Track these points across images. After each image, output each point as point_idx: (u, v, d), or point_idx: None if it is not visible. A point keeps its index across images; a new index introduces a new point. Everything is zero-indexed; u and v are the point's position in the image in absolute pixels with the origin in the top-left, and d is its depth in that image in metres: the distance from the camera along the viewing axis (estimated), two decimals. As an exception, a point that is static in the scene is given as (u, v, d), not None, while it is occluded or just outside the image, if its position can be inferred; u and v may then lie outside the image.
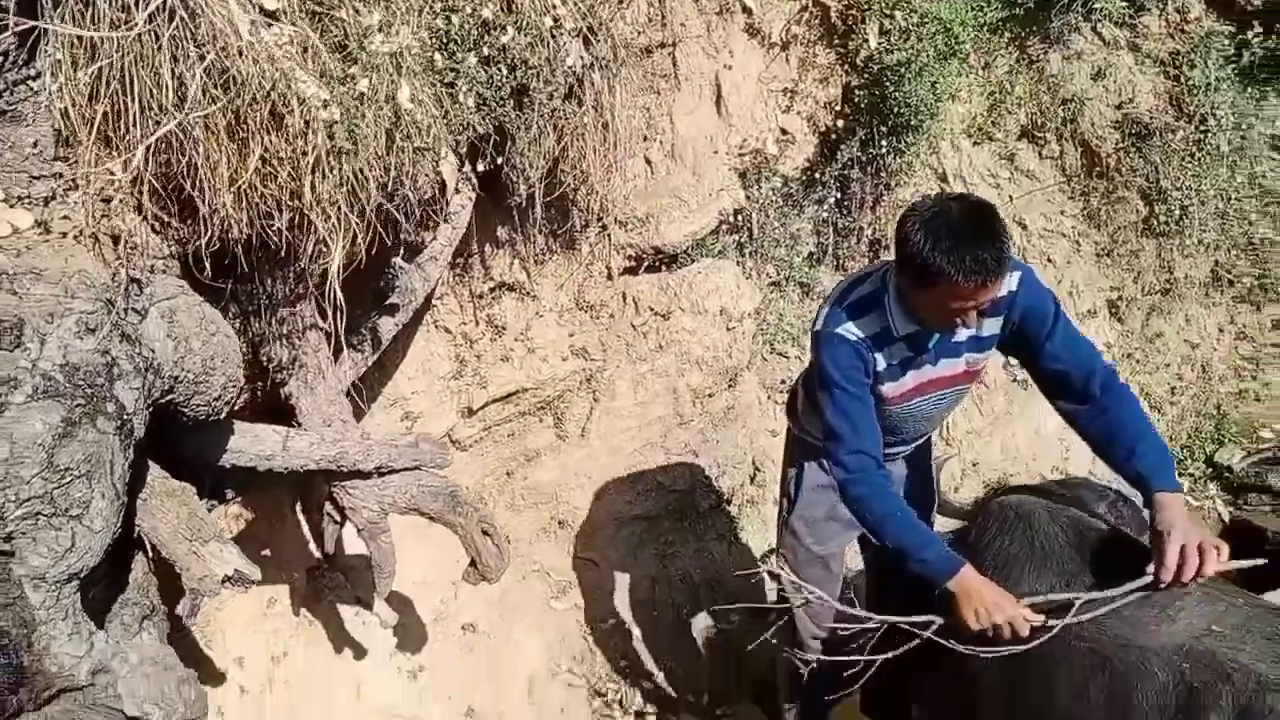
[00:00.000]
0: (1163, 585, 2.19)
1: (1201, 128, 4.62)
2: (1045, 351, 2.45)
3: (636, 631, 3.76)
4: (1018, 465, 4.65)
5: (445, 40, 2.57)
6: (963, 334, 2.50)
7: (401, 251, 2.70)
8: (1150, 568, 2.21)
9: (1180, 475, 4.82)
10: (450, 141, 2.57)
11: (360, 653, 3.28)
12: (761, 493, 3.95)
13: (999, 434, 4.62)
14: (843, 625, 2.68)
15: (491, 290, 3.51)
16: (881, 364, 2.50)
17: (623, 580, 3.81)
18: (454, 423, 3.48)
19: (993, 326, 2.52)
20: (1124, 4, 4.63)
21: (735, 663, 3.82)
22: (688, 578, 3.85)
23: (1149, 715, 2.08)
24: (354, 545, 3.00)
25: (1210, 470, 4.96)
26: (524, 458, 3.67)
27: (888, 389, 2.53)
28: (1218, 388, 5.02)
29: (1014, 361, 4.80)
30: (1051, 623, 2.21)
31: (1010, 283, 2.41)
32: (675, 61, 3.80)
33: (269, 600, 3.08)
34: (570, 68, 3.03)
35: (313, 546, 3.12)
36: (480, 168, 2.96)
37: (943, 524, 3.03)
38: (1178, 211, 4.65)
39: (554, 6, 2.88)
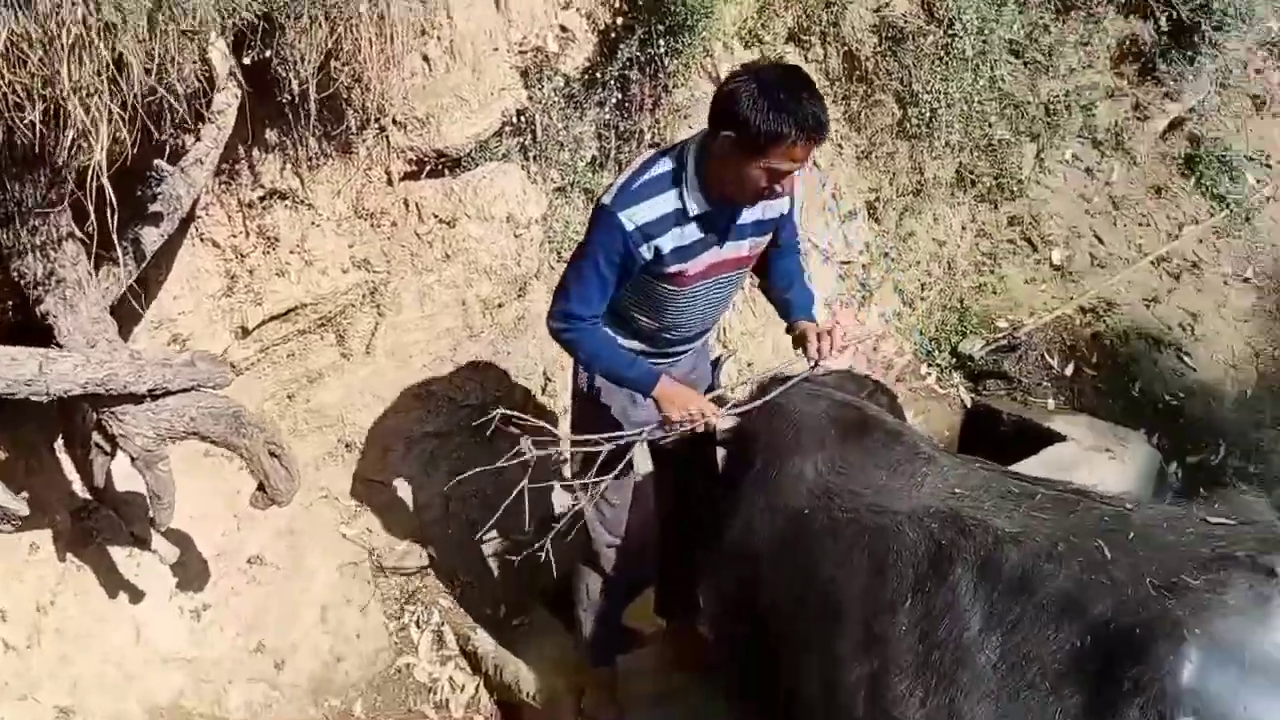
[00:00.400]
0: (816, 363, 2.79)
1: (949, 32, 4.88)
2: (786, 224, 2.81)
3: (430, 551, 3.72)
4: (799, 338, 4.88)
5: (204, -86, 2.32)
6: (748, 216, 2.66)
7: (165, 154, 2.45)
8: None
9: (930, 365, 5.32)
10: (218, 25, 2.35)
11: (137, 596, 3.08)
12: (554, 402, 3.95)
13: (770, 333, 4.82)
14: (637, 532, 2.89)
15: (262, 199, 3.27)
16: (669, 245, 2.58)
17: (415, 500, 3.74)
18: (228, 344, 3.25)
19: (773, 210, 2.70)
20: (880, -90, 4.81)
21: (528, 573, 3.87)
22: (481, 492, 3.82)
23: (903, 572, 2.28)
24: (125, 479, 2.78)
25: (955, 360, 5.39)
26: (305, 379, 3.49)
27: (679, 268, 2.63)
28: (961, 282, 5.44)
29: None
30: (737, 411, 2.73)
31: None
32: (452, -48, 3.62)
33: (30, 546, 2.82)
34: (342, -47, 2.82)
35: (77, 485, 2.86)
36: (247, 60, 2.72)
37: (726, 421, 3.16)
38: (928, 114, 4.94)
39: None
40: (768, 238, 2.82)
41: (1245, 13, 5.55)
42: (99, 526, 2.98)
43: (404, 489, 3.74)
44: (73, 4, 1.69)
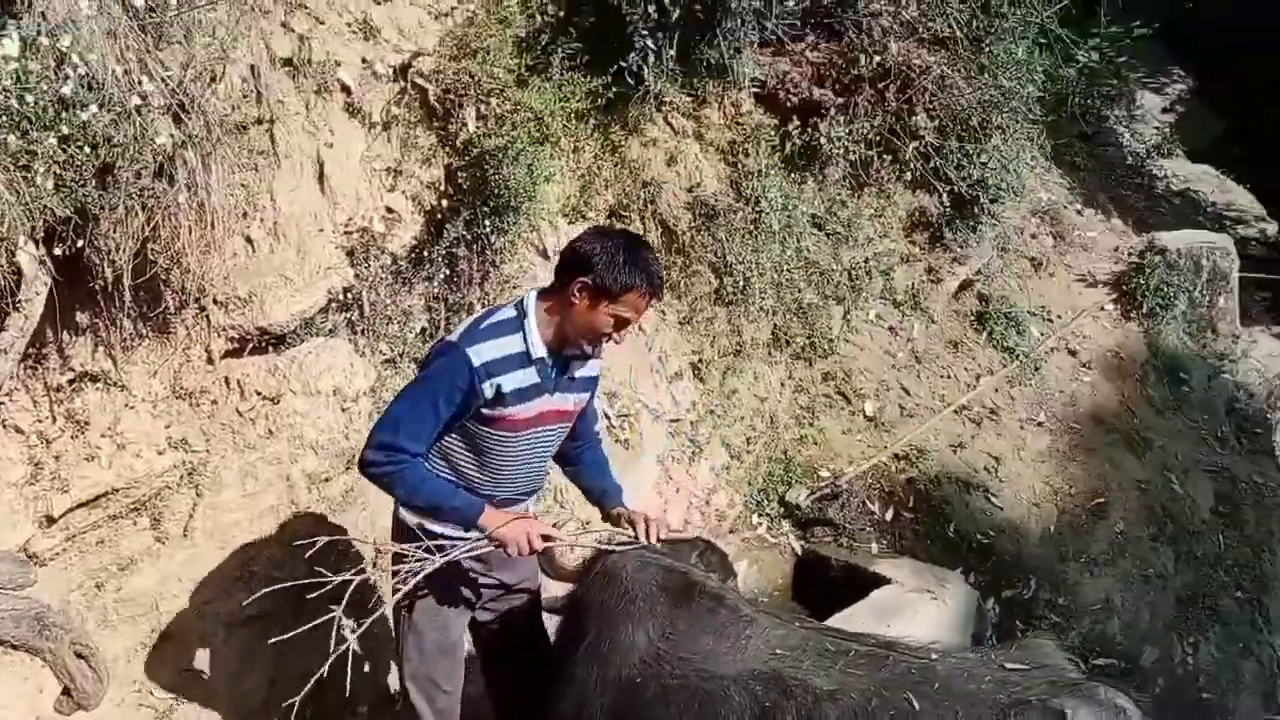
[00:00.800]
0: (640, 541, 2.82)
1: (757, 208, 5.30)
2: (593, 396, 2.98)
3: (256, 741, 3.53)
4: (622, 523, 4.97)
5: (18, 120, 2.34)
6: (577, 372, 2.83)
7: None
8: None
9: (760, 515, 5.50)
10: (26, 228, 2.33)
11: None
12: (384, 575, 3.87)
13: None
14: None
15: (71, 382, 3.18)
16: (510, 386, 2.69)
17: (236, 689, 3.55)
18: (30, 534, 3.08)
19: (594, 369, 2.90)
20: (688, 98, 5.23)
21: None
22: (309, 675, 3.66)
23: None
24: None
25: (783, 509, 5.58)
26: (116, 566, 3.32)
27: (515, 411, 2.72)
28: (784, 435, 5.69)
29: (616, 423, 5.22)
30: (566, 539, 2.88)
31: None
32: (274, 138, 3.72)
33: None
34: (160, 146, 2.87)
35: None
36: (58, 252, 2.70)
37: (558, 587, 3.19)
38: (742, 282, 5.27)
39: (140, 83, 2.73)
40: (587, 396, 2.96)
41: (1016, 186, 6.23)
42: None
43: (224, 678, 3.55)
44: None
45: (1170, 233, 7.22)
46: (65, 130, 2.50)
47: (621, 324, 2.69)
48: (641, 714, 2.54)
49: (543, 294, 2.76)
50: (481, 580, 3.02)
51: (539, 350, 2.70)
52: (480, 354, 2.64)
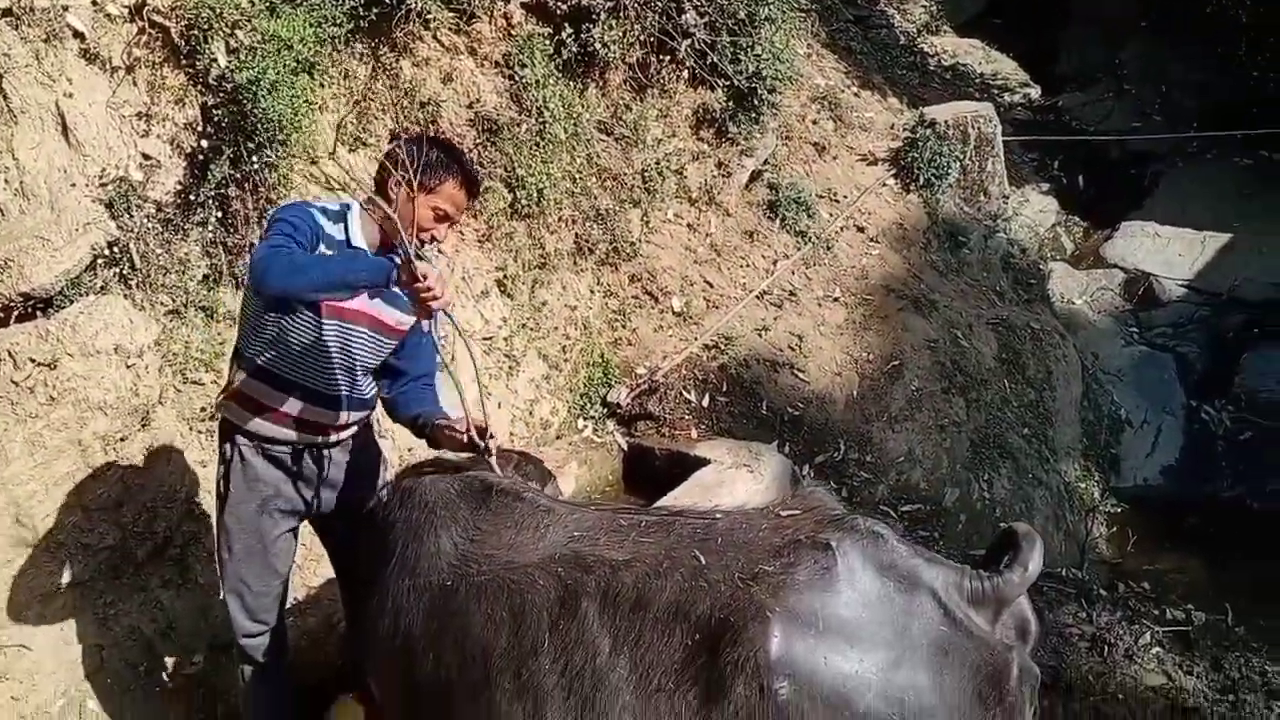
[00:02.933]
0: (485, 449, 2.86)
1: (540, 119, 5.33)
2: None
3: (91, 705, 3.48)
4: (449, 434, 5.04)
5: None
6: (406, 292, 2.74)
7: None
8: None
9: (584, 419, 5.65)
10: None
11: None
12: (203, 525, 3.83)
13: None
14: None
15: None
16: (332, 239, 2.78)
17: (63, 658, 3.48)
18: None
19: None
20: (453, 14, 5.16)
21: (209, 701, 3.72)
22: (138, 633, 3.63)
23: (539, 616, 2.48)
24: None
25: (606, 410, 5.76)
26: (-93, 555, 3.19)
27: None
28: (598, 340, 5.84)
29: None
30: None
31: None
32: (5, 93, 3.51)
33: None
34: None
35: None
36: None
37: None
38: (535, 194, 5.32)
39: None
40: (410, 321, 2.95)
41: (792, 75, 6.46)
42: None
43: (48, 648, 3.47)
44: None
45: (938, 106, 7.66)
46: None
47: (442, 218, 2.79)
48: (456, 615, 2.63)
49: (366, 202, 2.85)
50: (306, 492, 3.04)
51: (359, 242, 2.79)
52: (315, 216, 2.74)
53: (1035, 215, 8.57)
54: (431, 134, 2.97)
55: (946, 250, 7.08)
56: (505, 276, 5.42)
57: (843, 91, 7.55)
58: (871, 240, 6.80)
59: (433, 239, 2.83)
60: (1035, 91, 10.00)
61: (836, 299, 6.39)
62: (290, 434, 2.95)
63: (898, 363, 6.20)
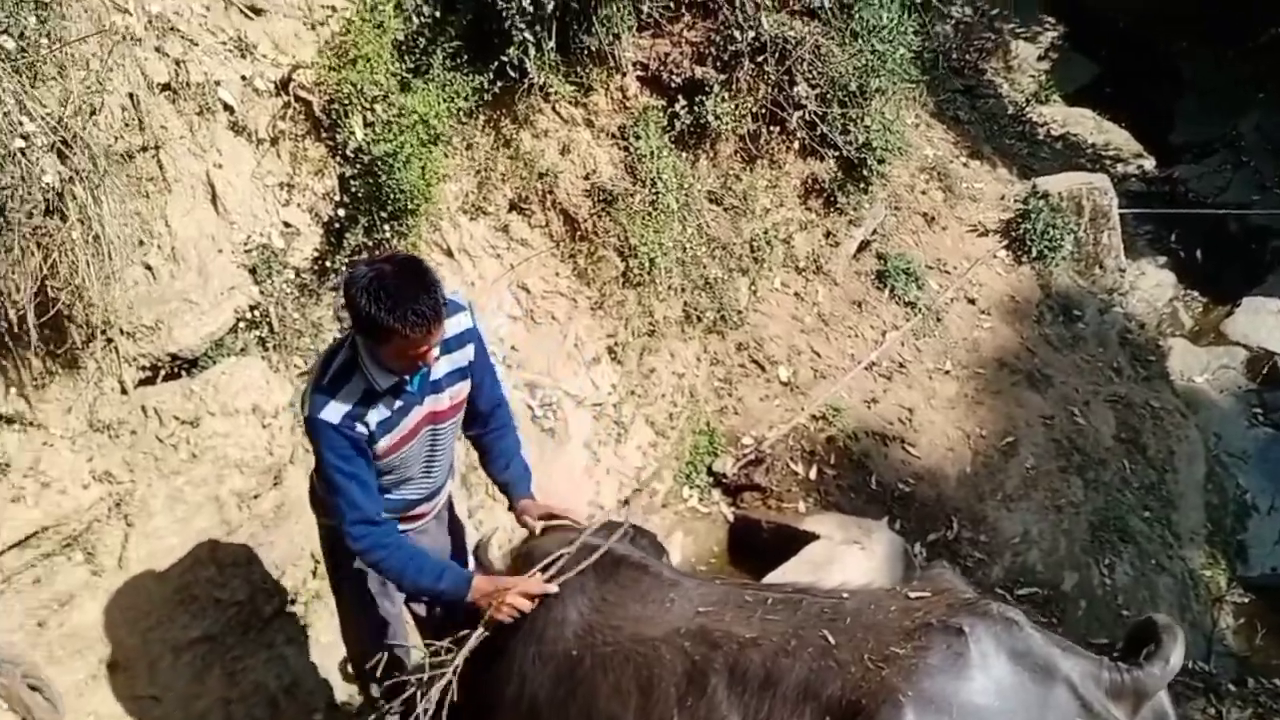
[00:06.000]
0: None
1: (654, 190, 5.43)
2: (483, 380, 3.00)
3: (216, 758, 3.58)
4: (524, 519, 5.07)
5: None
6: (438, 371, 2.86)
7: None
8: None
9: (690, 487, 5.65)
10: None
11: None
12: (325, 584, 3.92)
13: (536, 482, 5.02)
14: None
15: (-13, 426, 3.18)
16: (374, 421, 2.76)
17: (191, 710, 3.59)
18: (-38, 580, 3.09)
19: (461, 359, 2.93)
20: (573, 87, 5.32)
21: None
22: (263, 689, 3.73)
23: (666, 690, 2.50)
24: None
25: (712, 479, 5.75)
26: (56, 603, 3.34)
27: (387, 441, 2.81)
28: (705, 408, 5.85)
29: (540, 413, 5.32)
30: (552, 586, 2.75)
31: (463, 320, 2.86)
32: (162, 164, 3.73)
33: None
34: (48, 184, 2.90)
35: None
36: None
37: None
38: (647, 263, 5.40)
39: (21, 124, 2.75)
40: (468, 383, 3.01)
41: (901, 145, 6.46)
42: None
43: (177, 701, 3.59)
44: None
45: (1052, 176, 7.54)
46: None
47: (411, 357, 2.67)
48: (582, 684, 2.66)
49: None
50: None
51: (384, 383, 2.74)
52: (336, 411, 2.69)
53: (1152, 289, 8.33)
54: (388, 259, 2.71)
55: (1061, 324, 6.93)
56: (616, 343, 5.49)
57: (952, 161, 7.50)
58: (983, 312, 6.69)
59: (420, 367, 2.74)
60: (1149, 162, 9.78)
61: (947, 372, 6.29)
62: (403, 526, 3.03)
63: (1012, 439, 6.06)
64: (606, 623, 2.71)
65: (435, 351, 2.72)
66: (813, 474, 5.67)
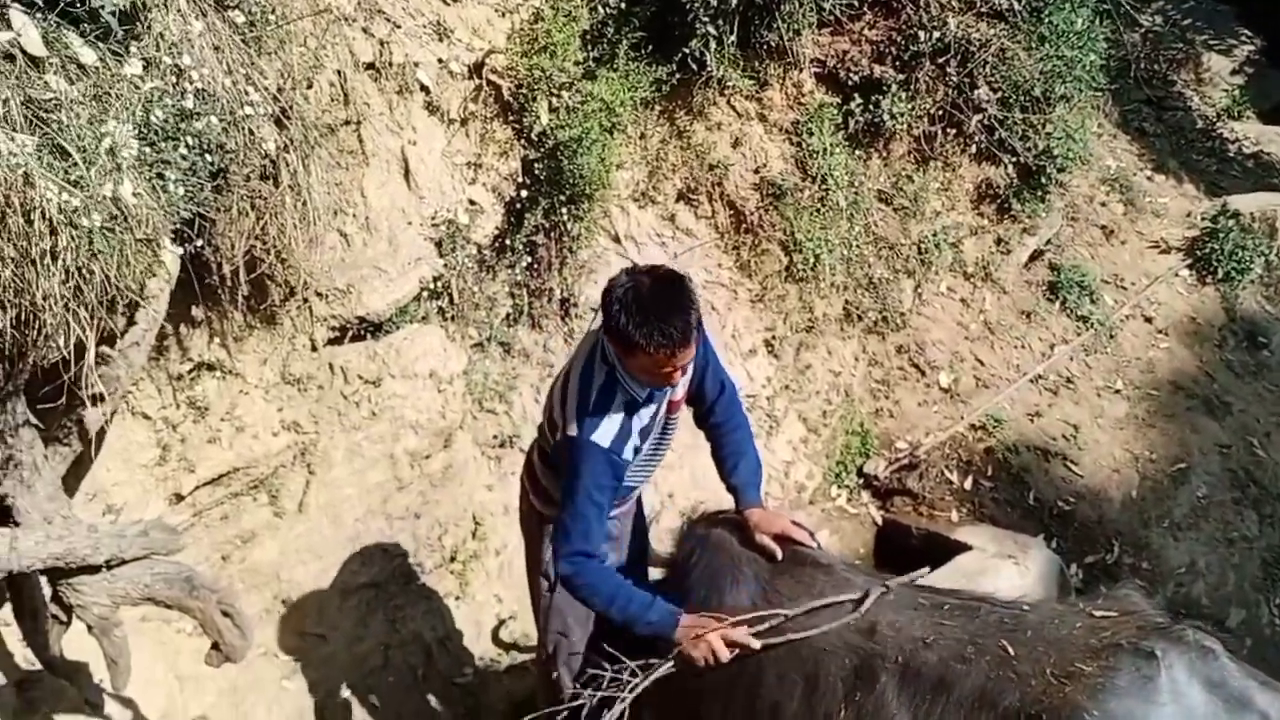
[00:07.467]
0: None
1: (823, 186, 5.38)
2: (704, 369, 2.90)
3: (373, 699, 3.75)
4: (706, 492, 5.07)
5: (147, 133, 2.54)
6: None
7: (116, 341, 2.61)
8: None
9: (839, 486, 5.58)
10: (168, 229, 2.54)
11: (86, 762, 3.04)
12: (484, 545, 4.07)
13: (687, 465, 5.03)
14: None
15: (191, 371, 3.42)
16: (636, 429, 2.74)
17: (354, 651, 3.78)
18: (161, 511, 3.32)
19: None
20: (750, 81, 5.32)
21: (471, 715, 3.91)
22: (419, 638, 3.89)
23: (835, 684, 2.46)
24: (74, 647, 2.81)
25: (861, 480, 5.67)
26: (240, 539, 3.57)
27: (648, 445, 2.81)
28: (859, 408, 5.77)
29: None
30: (762, 643, 2.55)
31: None
32: (362, 139, 3.91)
33: (-24, 722, 2.79)
34: (267, 150, 3.07)
35: (19, 657, 2.86)
36: (182, 251, 2.91)
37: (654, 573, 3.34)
38: (812, 259, 5.36)
39: (247, 93, 2.93)
40: (691, 377, 2.94)
41: (1083, 154, 6.21)
42: (43, 696, 2.96)
43: (343, 640, 3.78)
44: (46, 233, 1.87)
45: (1243, 195, 7.11)
46: (188, 140, 2.70)
47: (656, 375, 2.62)
48: (748, 668, 2.63)
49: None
50: (612, 555, 3.09)
51: (642, 391, 2.71)
52: (606, 435, 2.66)
53: (1346, 321, 7.77)
54: (649, 271, 2.62)
55: (1244, 350, 6.53)
56: (774, 337, 5.47)
57: (1135, 174, 7.16)
58: (1160, 332, 6.37)
59: (666, 384, 2.69)
60: (1350, 186, 9.12)
61: (1118, 391, 6.02)
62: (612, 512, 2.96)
63: (1184, 465, 5.75)
64: None
65: (682, 374, 2.67)
66: (968, 484, 5.53)
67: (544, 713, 2.81)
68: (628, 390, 2.70)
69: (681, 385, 2.85)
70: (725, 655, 2.55)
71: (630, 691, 2.58)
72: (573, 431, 2.70)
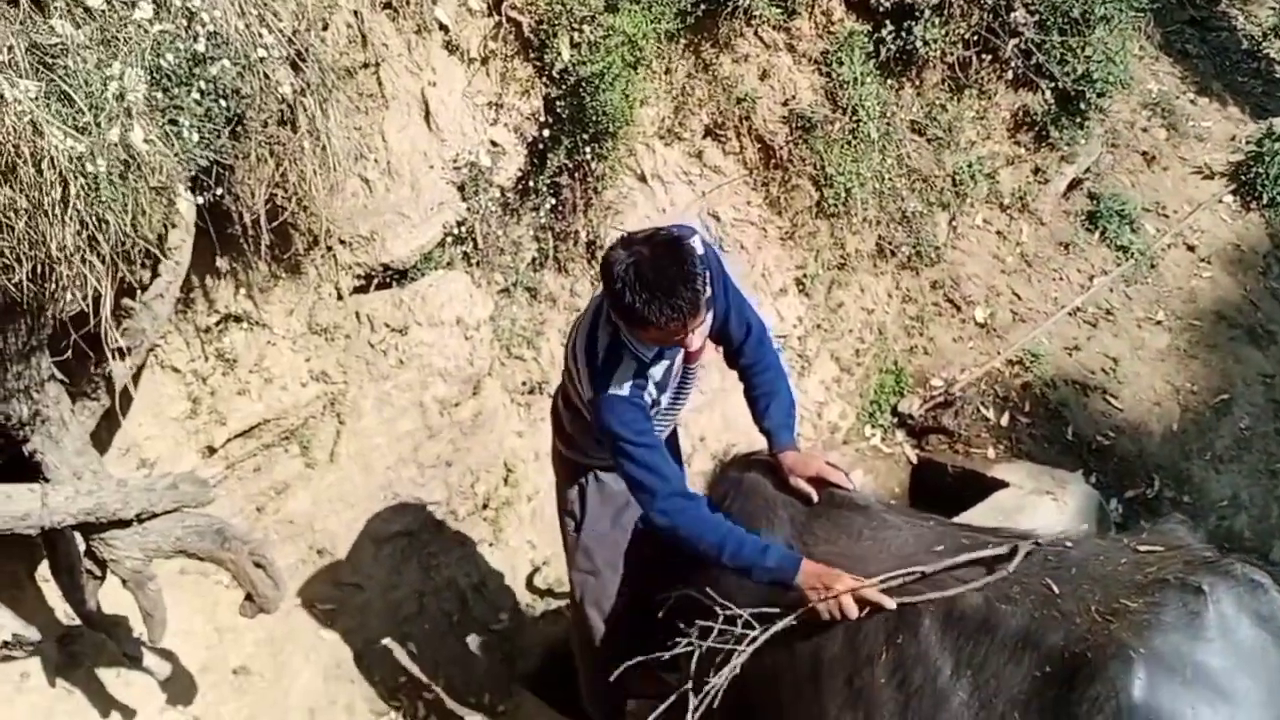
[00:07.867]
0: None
1: (854, 118, 5.22)
2: (727, 309, 2.82)
3: (410, 646, 3.78)
4: (738, 435, 5.03)
5: (158, 77, 2.48)
6: None
7: (131, 292, 2.58)
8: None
9: (873, 426, 5.51)
10: (183, 177, 2.50)
11: (128, 714, 3.11)
12: (516, 492, 4.06)
13: (719, 407, 4.99)
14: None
15: (218, 323, 3.41)
16: (656, 378, 2.70)
17: (390, 598, 3.80)
18: (194, 464, 3.33)
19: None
20: (778, 10, 5.15)
21: (508, 659, 3.93)
22: (454, 585, 3.91)
23: (876, 626, 2.41)
24: (112, 601, 2.84)
25: (896, 419, 5.60)
26: (273, 490, 3.58)
27: (666, 397, 2.77)
28: (893, 346, 5.68)
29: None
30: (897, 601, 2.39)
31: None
32: (380, 81, 3.84)
33: (21, 675, 2.84)
34: (283, 95, 3.01)
35: (60, 612, 2.90)
36: (201, 200, 2.86)
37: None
38: (843, 194, 5.23)
39: (261, 36, 2.86)
40: (709, 322, 2.86)
41: (1124, 78, 5.99)
42: (84, 650, 3.02)
43: (378, 588, 3.80)
44: (57, 182, 1.82)
45: (1291, 116, 6.86)
46: (201, 85, 2.64)
47: (670, 343, 2.57)
48: (787, 611, 2.60)
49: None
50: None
51: (650, 351, 2.65)
52: (621, 387, 2.60)
53: (1397, 244, 7.53)
54: (646, 240, 2.50)
55: (1291, 277, 6.35)
56: (805, 275, 5.37)
57: (1178, 98, 6.91)
58: (1202, 261, 6.19)
59: (681, 345, 2.62)
60: (1402, 104, 8.79)
61: (1159, 322, 5.88)
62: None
63: (1226, 397, 5.62)
64: (812, 555, 2.63)
65: (696, 335, 2.59)
66: (1004, 420, 5.45)
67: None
68: (634, 352, 2.65)
69: (698, 337, 2.74)
70: (854, 614, 2.41)
71: (750, 644, 2.44)
72: (589, 394, 2.67)
